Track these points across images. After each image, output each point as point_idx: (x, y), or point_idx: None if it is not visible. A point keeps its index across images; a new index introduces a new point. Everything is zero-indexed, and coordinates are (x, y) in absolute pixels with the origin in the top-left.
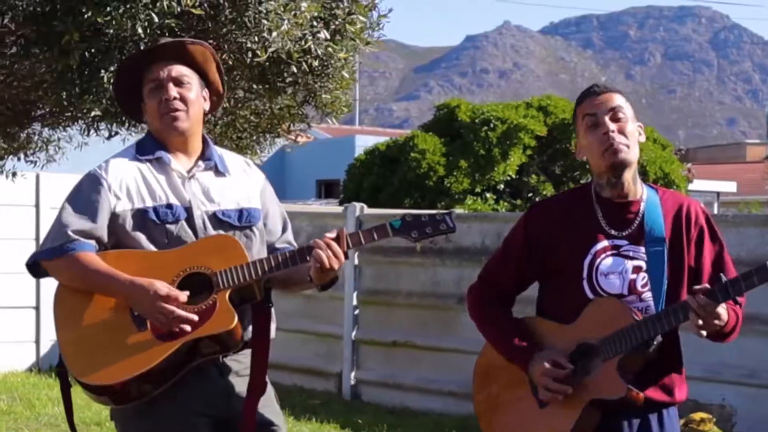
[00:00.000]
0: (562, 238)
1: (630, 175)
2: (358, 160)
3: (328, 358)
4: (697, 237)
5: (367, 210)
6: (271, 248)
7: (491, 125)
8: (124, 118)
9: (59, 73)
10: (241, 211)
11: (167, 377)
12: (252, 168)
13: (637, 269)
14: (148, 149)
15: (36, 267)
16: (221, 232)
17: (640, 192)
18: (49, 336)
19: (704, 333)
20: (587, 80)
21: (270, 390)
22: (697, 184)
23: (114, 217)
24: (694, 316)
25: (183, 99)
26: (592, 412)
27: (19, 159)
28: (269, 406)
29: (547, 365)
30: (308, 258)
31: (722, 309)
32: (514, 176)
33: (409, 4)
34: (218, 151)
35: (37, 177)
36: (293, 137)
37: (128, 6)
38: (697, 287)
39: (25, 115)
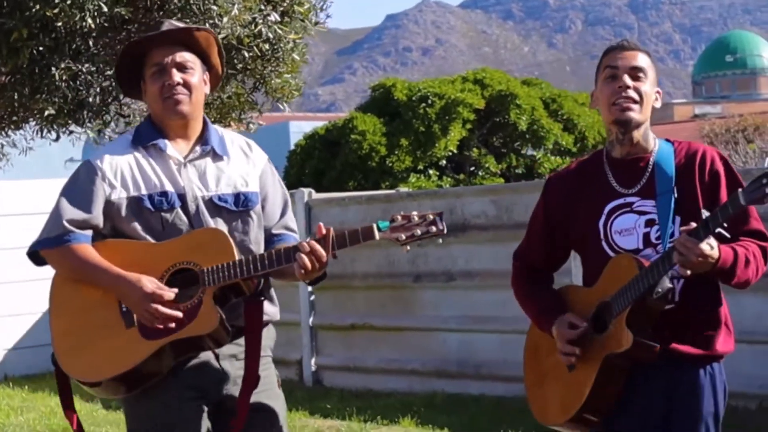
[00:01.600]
0: (577, 205)
1: (639, 134)
2: (298, 145)
3: (286, 345)
4: (711, 183)
5: (315, 195)
6: (268, 233)
7: (429, 101)
8: (77, 116)
9: (8, 74)
10: (237, 195)
11: (155, 373)
12: (254, 150)
13: (650, 222)
14: (145, 136)
15: (36, 256)
16: (218, 218)
17: (651, 147)
18: (3, 345)
19: (687, 272)
20: (510, 52)
21: (271, 374)
22: None
23: (109, 205)
24: (676, 254)
25: (186, 84)
26: (612, 368)
27: None
28: (268, 389)
29: (561, 328)
30: (294, 258)
31: (706, 245)
32: (455, 151)
33: None
34: (219, 131)
35: None
36: (244, 126)
37: None
38: (683, 227)
39: None
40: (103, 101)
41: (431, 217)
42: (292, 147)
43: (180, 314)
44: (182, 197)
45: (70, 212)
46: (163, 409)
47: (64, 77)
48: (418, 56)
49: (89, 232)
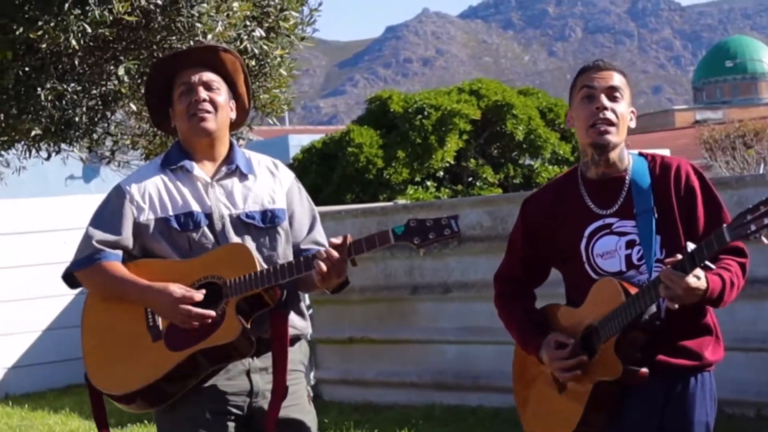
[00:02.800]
0: (555, 226)
1: (615, 154)
2: (295, 159)
3: None
4: (688, 199)
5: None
6: (297, 249)
7: (425, 113)
8: (65, 135)
9: None
10: (264, 212)
11: (181, 385)
12: (280, 168)
13: (630, 244)
14: (173, 159)
15: (71, 279)
16: (246, 235)
17: (625, 165)
18: (3, 364)
19: (675, 305)
20: (510, 61)
21: (302, 388)
22: None
23: (138, 226)
24: (663, 288)
25: (212, 102)
26: (603, 392)
27: None
28: (298, 404)
29: (551, 349)
30: (312, 267)
31: (693, 278)
32: (452, 162)
33: None
34: (246, 154)
35: None
36: (235, 141)
37: (60, 19)
38: (667, 260)
39: None
40: (90, 120)
41: (446, 220)
42: (291, 161)
43: (213, 313)
44: (209, 216)
45: (100, 235)
46: (190, 422)
47: (49, 97)
48: (419, 67)
49: (119, 252)
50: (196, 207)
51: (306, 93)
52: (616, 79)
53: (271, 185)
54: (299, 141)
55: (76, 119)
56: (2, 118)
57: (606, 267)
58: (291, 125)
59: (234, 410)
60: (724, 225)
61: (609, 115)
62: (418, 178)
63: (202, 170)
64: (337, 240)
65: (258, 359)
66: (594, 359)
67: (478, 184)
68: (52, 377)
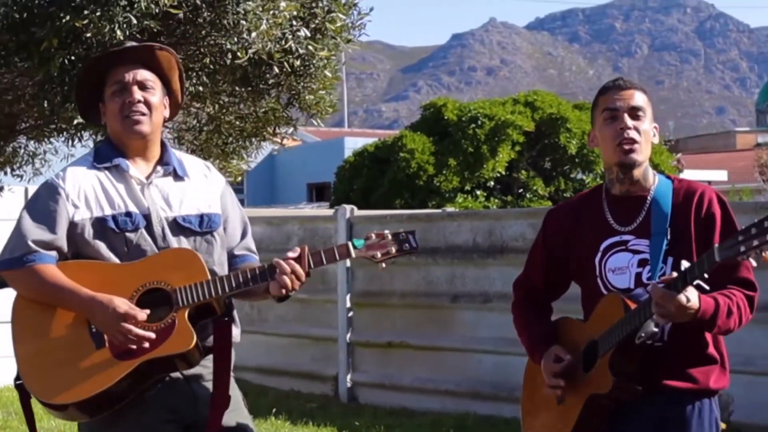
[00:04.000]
0: (575, 239)
1: (639, 172)
2: (347, 162)
3: (323, 361)
4: (706, 225)
5: (358, 212)
6: (230, 254)
7: (479, 122)
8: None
9: (40, 82)
10: (201, 217)
11: (127, 394)
12: (212, 172)
13: (642, 262)
14: (106, 156)
15: None
16: (182, 239)
17: (650, 184)
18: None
19: (667, 322)
20: (575, 74)
21: (237, 395)
22: (687, 174)
23: (72, 226)
24: (653, 305)
25: (147, 103)
26: (595, 407)
27: (5, 173)
28: (236, 409)
29: (547, 360)
30: (270, 278)
31: (683, 297)
32: (503, 172)
33: (394, 4)
34: (177, 155)
35: (26, 191)
36: (279, 140)
37: (106, 9)
38: (661, 278)
39: (10, 128)
40: None
41: (404, 234)
42: (342, 163)
43: (153, 335)
44: (147, 218)
45: (35, 233)
46: (141, 431)
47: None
48: (483, 76)
49: (54, 253)
50: (133, 207)
51: (368, 96)
52: (638, 98)
53: (206, 188)
54: (354, 143)
55: None
56: (46, 106)
57: (616, 283)
58: (351, 127)
59: (175, 418)
60: (716, 245)
61: (633, 134)
62: (468, 187)
63: (136, 169)
64: (294, 253)
65: (197, 367)
66: (590, 373)
67: (528, 195)
68: None
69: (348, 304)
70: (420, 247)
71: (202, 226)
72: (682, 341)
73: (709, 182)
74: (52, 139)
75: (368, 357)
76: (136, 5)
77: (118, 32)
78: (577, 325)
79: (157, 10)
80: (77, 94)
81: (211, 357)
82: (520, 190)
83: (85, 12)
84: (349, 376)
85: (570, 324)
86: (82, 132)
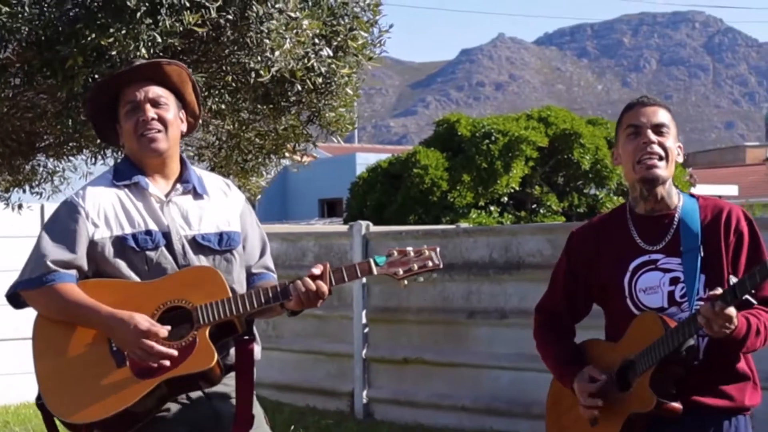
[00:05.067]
0: (600, 260)
1: (664, 190)
2: (360, 177)
3: (339, 377)
4: (736, 243)
5: (373, 228)
6: (248, 273)
7: (492, 138)
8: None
9: (64, 100)
10: (221, 235)
11: (149, 412)
12: (232, 189)
13: (674, 280)
14: (125, 174)
15: (16, 297)
16: (202, 257)
17: (675, 203)
18: None
19: (710, 333)
20: (583, 89)
21: (259, 413)
22: (699, 189)
23: (93, 245)
24: (701, 318)
25: (161, 120)
26: (634, 425)
27: (24, 191)
28: (259, 428)
29: (582, 381)
30: (290, 296)
31: (734, 310)
32: (517, 188)
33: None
34: (197, 172)
35: (42, 208)
36: (299, 157)
37: (131, 27)
38: (710, 293)
39: (30, 146)
40: None
41: (427, 252)
42: (355, 179)
43: (175, 352)
44: (167, 236)
45: (54, 252)
46: None
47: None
48: (491, 91)
49: (74, 272)
50: (153, 226)
51: (377, 112)
52: (662, 115)
53: (226, 207)
54: (366, 159)
55: None
56: (70, 124)
57: (648, 302)
58: (360, 143)
59: None
60: (766, 260)
61: (656, 149)
62: (482, 203)
63: (156, 187)
64: (318, 270)
65: (219, 385)
66: (629, 392)
67: (541, 211)
68: None
69: (364, 320)
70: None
71: (222, 245)
72: (717, 359)
73: (720, 197)
74: (71, 157)
75: (384, 373)
76: (160, 23)
77: (143, 50)
78: (606, 346)
79: (181, 29)
80: (92, 118)
81: (232, 374)
82: (534, 206)
83: (111, 30)
84: (365, 392)
85: (599, 345)
86: (105, 150)
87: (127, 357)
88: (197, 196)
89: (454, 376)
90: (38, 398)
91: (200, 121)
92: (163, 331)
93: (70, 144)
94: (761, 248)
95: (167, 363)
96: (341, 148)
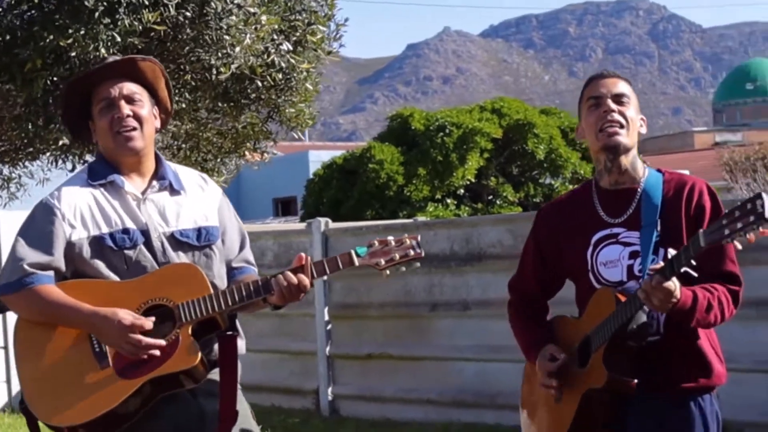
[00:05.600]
0: (566, 236)
1: (627, 161)
2: (316, 175)
3: (303, 375)
4: (696, 217)
5: (332, 224)
6: (229, 267)
7: (446, 131)
8: (92, 146)
9: (23, 104)
10: (199, 230)
11: (134, 412)
12: (209, 184)
13: (634, 254)
14: (101, 173)
15: None
16: (181, 254)
17: (640, 176)
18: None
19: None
20: (530, 80)
21: (245, 408)
22: None
23: (70, 246)
24: (641, 293)
25: (136, 117)
26: (591, 402)
27: None
28: (245, 423)
29: (542, 360)
30: (272, 291)
31: (672, 284)
32: (473, 180)
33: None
34: (172, 167)
35: None
36: (259, 155)
37: (90, 27)
38: (652, 266)
39: None
40: None
41: (408, 241)
42: (311, 176)
43: (163, 342)
44: (145, 233)
45: (31, 255)
46: None
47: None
48: (439, 85)
49: (51, 273)
50: (130, 224)
51: (326, 109)
52: (622, 86)
53: (203, 201)
54: (319, 157)
55: None
56: (30, 128)
57: (608, 276)
58: (310, 141)
59: None
60: (700, 230)
61: (617, 117)
62: (438, 196)
63: (132, 185)
64: (298, 263)
65: (202, 383)
66: (585, 369)
67: (498, 202)
68: None
69: (326, 317)
70: None
71: (200, 240)
72: (679, 335)
73: None
74: (27, 163)
75: (349, 369)
76: (119, 23)
77: (102, 50)
78: (571, 323)
79: (140, 28)
80: (64, 115)
81: (217, 371)
82: (490, 197)
83: (69, 31)
84: (330, 390)
85: (565, 322)
86: (67, 154)
87: (110, 357)
88: (174, 192)
89: (419, 370)
90: (21, 402)
91: (171, 117)
92: (149, 323)
93: (27, 150)
94: None
95: (157, 353)
96: (293, 147)
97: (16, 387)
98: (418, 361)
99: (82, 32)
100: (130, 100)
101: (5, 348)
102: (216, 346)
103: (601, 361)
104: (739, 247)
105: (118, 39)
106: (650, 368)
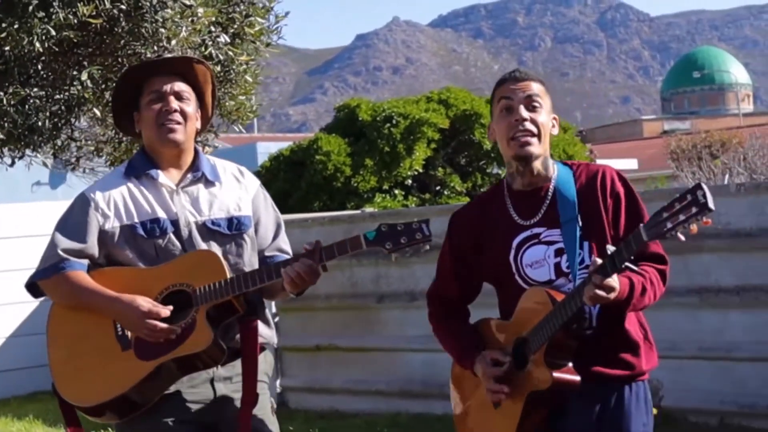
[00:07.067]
0: (484, 241)
1: (539, 164)
2: (263, 167)
3: None
4: (614, 205)
5: (282, 216)
6: (261, 256)
7: (393, 122)
8: (27, 141)
9: None
10: (230, 219)
11: (152, 394)
12: (246, 175)
13: (559, 252)
14: (138, 166)
15: (35, 288)
16: (212, 242)
17: (550, 174)
18: None
19: (589, 303)
20: (480, 70)
21: (266, 398)
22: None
23: (103, 234)
24: (587, 298)
25: (182, 113)
26: (536, 403)
27: None
28: (263, 414)
29: (485, 365)
30: (281, 276)
31: (611, 283)
32: (420, 171)
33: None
34: (211, 161)
35: None
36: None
37: (24, 21)
38: (590, 267)
39: None
40: (54, 126)
41: (417, 224)
42: (258, 168)
43: (178, 329)
44: (175, 223)
45: (65, 243)
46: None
47: (12, 102)
48: (389, 75)
49: (85, 261)
50: (161, 214)
51: (275, 100)
52: (534, 88)
53: (237, 192)
54: (267, 148)
55: (40, 124)
56: None
57: (536, 276)
58: (260, 132)
59: (198, 419)
60: (641, 224)
61: (529, 126)
62: (386, 187)
63: (167, 177)
64: (309, 246)
65: (222, 368)
66: (525, 371)
67: (445, 192)
68: (17, 384)
69: (274, 310)
70: None
71: (231, 229)
72: (610, 326)
73: (620, 171)
74: None
75: (297, 361)
76: (54, 16)
77: (37, 44)
78: (499, 325)
79: (75, 21)
80: (114, 103)
81: (238, 361)
82: (438, 188)
83: (3, 25)
84: (278, 382)
85: (491, 324)
86: (3, 149)
87: (132, 341)
88: (208, 183)
89: (367, 361)
90: (53, 384)
91: (208, 122)
92: (165, 311)
93: None
94: (639, 207)
95: (173, 336)
96: (241, 139)
97: None
98: (366, 352)
99: (15, 26)
100: (179, 97)
101: None
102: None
103: (542, 362)
104: (683, 238)
105: (53, 32)
106: (585, 359)
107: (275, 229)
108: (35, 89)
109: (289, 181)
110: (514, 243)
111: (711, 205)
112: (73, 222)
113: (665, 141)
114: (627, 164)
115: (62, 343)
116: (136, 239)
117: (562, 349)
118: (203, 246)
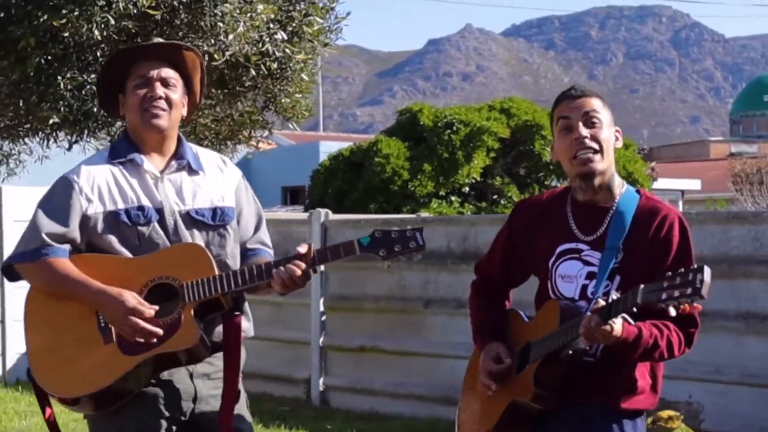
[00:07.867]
0: (536, 236)
1: (602, 181)
2: (322, 165)
3: (295, 364)
4: (662, 249)
5: (332, 216)
6: (243, 248)
7: (454, 128)
8: (82, 126)
9: (16, 81)
10: (214, 210)
11: (133, 388)
12: (228, 166)
13: (591, 275)
14: (122, 151)
15: (10, 270)
16: (195, 232)
17: (616, 197)
18: (15, 349)
19: (585, 343)
20: (550, 81)
21: (242, 393)
22: (661, 183)
23: (85, 219)
24: (582, 329)
25: (167, 99)
26: (516, 410)
27: None
28: (239, 407)
29: (487, 358)
30: (272, 277)
31: (609, 327)
32: (478, 179)
33: (371, 9)
34: (193, 149)
35: None
36: (255, 144)
37: (84, 9)
38: (593, 306)
39: None
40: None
41: (411, 232)
42: (317, 167)
43: (160, 331)
44: (160, 211)
45: (48, 226)
46: (137, 425)
47: (69, 87)
48: (458, 82)
49: (67, 246)
50: (146, 201)
51: (344, 100)
52: (592, 104)
53: (220, 182)
54: (329, 147)
55: (95, 110)
56: (22, 105)
57: (563, 289)
58: (326, 131)
59: (178, 415)
60: (642, 285)
61: (590, 143)
62: (442, 193)
63: (151, 164)
64: (302, 249)
65: (201, 365)
66: (518, 377)
67: (502, 202)
68: None
69: (321, 308)
70: None
71: (215, 219)
72: (614, 359)
73: (683, 191)
74: (26, 140)
75: (341, 361)
76: (114, 5)
77: (96, 32)
78: (521, 323)
79: (135, 11)
80: (98, 85)
81: (218, 355)
82: (495, 197)
83: (63, 11)
84: (321, 380)
85: (516, 320)
86: (58, 132)
87: (114, 334)
88: (192, 172)
89: (410, 365)
90: (28, 371)
91: (196, 109)
92: (150, 311)
93: (25, 126)
94: (687, 258)
95: (154, 340)
96: (305, 137)
97: (10, 361)
98: (409, 356)
99: (76, 13)
100: (165, 83)
101: (2, 321)
102: (219, 328)
103: (532, 375)
104: (673, 313)
105: (113, 21)
106: (578, 381)
107: (256, 221)
108: (92, 75)
109: (348, 181)
110: (558, 250)
111: (704, 292)
112: (55, 205)
113: (730, 163)
114: (690, 184)
115: (41, 329)
116: (120, 226)
117: (551, 370)
118: (188, 236)
